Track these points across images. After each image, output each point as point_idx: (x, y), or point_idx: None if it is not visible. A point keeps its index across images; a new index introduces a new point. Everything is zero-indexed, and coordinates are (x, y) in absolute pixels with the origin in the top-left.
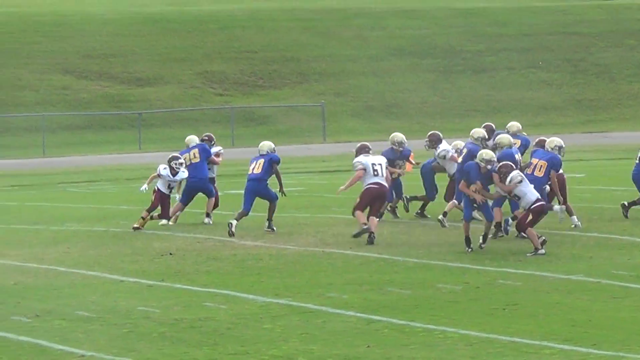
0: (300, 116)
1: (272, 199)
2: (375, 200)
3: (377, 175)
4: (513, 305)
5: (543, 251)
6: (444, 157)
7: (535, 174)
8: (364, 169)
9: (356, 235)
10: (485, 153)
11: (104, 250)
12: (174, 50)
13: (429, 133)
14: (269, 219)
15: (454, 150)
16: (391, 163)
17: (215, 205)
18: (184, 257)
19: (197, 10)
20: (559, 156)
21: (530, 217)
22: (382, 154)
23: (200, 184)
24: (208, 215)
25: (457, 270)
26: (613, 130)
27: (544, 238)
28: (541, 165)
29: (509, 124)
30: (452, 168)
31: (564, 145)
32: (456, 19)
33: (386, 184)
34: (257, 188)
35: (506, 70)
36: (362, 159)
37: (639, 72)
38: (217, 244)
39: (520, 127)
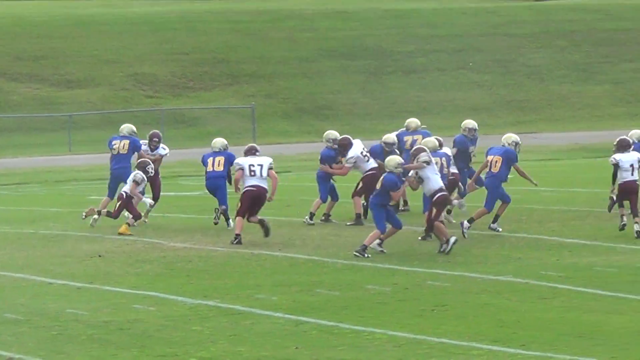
0: (231, 118)
1: (223, 202)
2: (254, 203)
3: (253, 175)
4: (442, 306)
5: (454, 238)
6: (353, 163)
7: (491, 170)
8: (242, 169)
9: (233, 242)
10: (398, 158)
11: (32, 252)
12: (104, 52)
13: (339, 139)
14: (221, 215)
15: (362, 155)
16: (332, 161)
17: (156, 198)
18: (112, 259)
19: (127, 12)
20: (513, 149)
21: (435, 210)
22: (322, 154)
23: (123, 172)
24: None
25: (386, 271)
26: (543, 131)
27: (455, 238)
28: (496, 161)
29: (408, 121)
30: (365, 167)
31: (520, 142)
32: (386, 20)
33: (264, 185)
34: (218, 185)
35: (436, 71)
36: (240, 159)
37: (569, 73)
38: (146, 246)
39: (419, 123)
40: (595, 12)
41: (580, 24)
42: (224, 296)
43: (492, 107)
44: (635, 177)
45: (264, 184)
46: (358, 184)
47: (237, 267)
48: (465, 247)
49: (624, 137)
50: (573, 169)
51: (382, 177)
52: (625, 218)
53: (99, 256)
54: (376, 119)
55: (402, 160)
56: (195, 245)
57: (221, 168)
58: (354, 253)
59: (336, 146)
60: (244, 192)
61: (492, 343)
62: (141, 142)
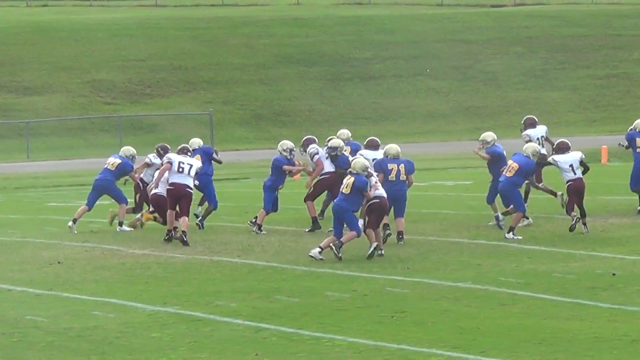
0: (188, 124)
1: (212, 202)
2: (179, 201)
3: (181, 172)
4: (401, 312)
5: (375, 244)
6: (312, 155)
7: (506, 174)
8: (170, 164)
9: (165, 238)
10: (365, 161)
11: None
12: (62, 59)
13: (305, 138)
14: (203, 219)
15: (324, 155)
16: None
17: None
18: (72, 265)
19: (84, 19)
20: (534, 161)
21: (367, 218)
22: (275, 161)
23: (105, 183)
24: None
25: (345, 278)
26: (500, 138)
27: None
28: (513, 167)
29: (339, 132)
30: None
31: (540, 151)
32: (344, 26)
33: (187, 183)
34: (204, 183)
35: (394, 77)
36: (171, 155)
37: (525, 79)
38: (105, 252)
39: (350, 134)
40: (551, 18)
41: (537, 30)
42: (184, 303)
43: (449, 114)
44: (579, 175)
45: (188, 182)
46: (310, 188)
47: (196, 274)
48: (424, 254)
49: (563, 140)
50: None
51: (351, 181)
52: (575, 219)
53: (58, 263)
54: (334, 126)
55: (369, 164)
56: (154, 252)
57: (202, 165)
58: (330, 246)
59: (290, 157)
60: (167, 190)
61: (451, 349)
62: (151, 155)
